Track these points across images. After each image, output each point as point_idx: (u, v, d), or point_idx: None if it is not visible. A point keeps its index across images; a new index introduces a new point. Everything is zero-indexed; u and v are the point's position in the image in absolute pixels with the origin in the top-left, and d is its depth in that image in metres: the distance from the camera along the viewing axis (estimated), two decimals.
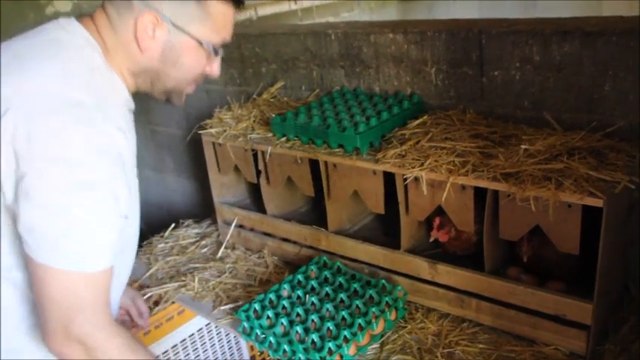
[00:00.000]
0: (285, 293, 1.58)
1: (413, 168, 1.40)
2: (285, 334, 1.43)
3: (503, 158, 1.35)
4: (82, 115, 0.99)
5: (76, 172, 0.97)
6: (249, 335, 1.49)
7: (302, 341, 1.39)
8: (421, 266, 1.51)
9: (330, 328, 1.40)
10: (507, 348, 1.38)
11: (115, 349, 1.05)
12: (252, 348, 2.01)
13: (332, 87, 1.97)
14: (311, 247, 1.78)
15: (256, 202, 1.99)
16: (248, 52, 2.18)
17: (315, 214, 1.86)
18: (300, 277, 1.63)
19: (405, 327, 1.49)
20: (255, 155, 1.78)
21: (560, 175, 1.26)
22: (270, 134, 1.75)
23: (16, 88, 1.00)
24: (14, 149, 0.97)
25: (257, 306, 1.53)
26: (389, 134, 1.58)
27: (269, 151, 1.70)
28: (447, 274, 1.48)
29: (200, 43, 1.13)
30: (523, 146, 1.37)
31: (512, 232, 1.36)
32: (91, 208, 0.99)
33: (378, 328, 1.44)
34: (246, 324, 1.50)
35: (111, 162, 1.01)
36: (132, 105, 1.18)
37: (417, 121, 1.60)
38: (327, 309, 1.47)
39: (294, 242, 1.82)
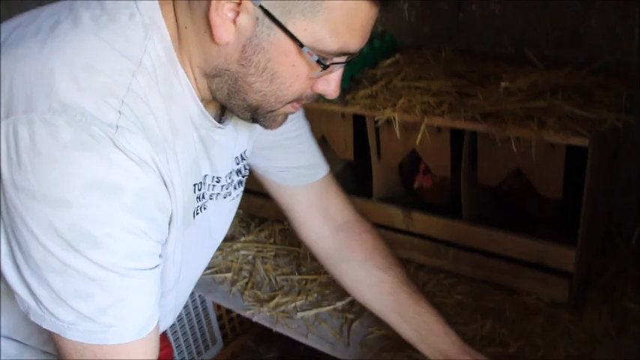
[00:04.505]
0: None
1: (384, 109, 1.29)
2: None
3: (481, 97, 1.25)
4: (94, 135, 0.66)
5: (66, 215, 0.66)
6: None
7: None
8: (395, 215, 1.42)
9: None
10: (487, 298, 1.31)
11: None
12: (218, 307, 1.92)
13: None
14: None
15: None
16: None
17: None
18: None
19: None
20: None
21: (543, 114, 1.16)
22: None
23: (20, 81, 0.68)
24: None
25: None
26: (358, 75, 1.46)
27: None
28: (422, 222, 1.39)
29: (300, 46, 0.70)
30: (503, 84, 1.27)
31: (491, 176, 1.27)
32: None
33: None
34: None
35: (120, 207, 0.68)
36: (203, 118, 0.80)
37: (389, 60, 1.48)
38: None
39: (257, 193, 1.70)
